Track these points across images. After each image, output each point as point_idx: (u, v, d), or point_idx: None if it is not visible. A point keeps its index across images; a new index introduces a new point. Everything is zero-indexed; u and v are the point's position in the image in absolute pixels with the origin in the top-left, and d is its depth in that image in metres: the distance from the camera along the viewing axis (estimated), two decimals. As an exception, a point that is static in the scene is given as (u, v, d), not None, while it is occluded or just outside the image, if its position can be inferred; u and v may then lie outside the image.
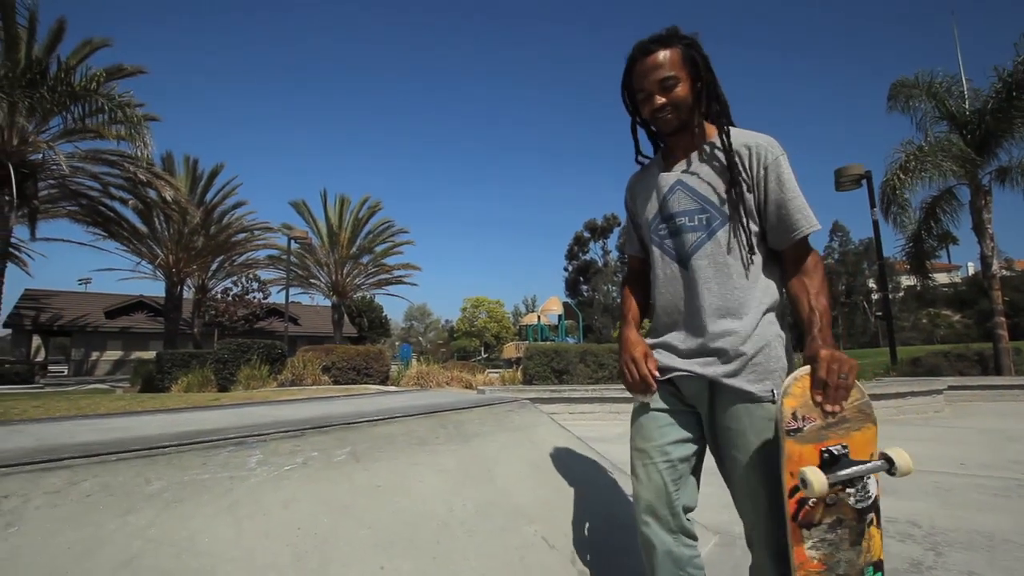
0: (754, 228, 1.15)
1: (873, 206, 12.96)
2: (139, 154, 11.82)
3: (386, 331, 41.56)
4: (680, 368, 1.16)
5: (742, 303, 1.12)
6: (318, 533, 1.19)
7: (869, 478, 1.00)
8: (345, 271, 24.70)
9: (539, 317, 25.99)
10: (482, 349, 36.64)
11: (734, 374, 1.10)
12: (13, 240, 16.67)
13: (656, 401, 1.21)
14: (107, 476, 1.03)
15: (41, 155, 15.84)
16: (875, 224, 13.17)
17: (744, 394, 1.09)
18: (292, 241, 20.78)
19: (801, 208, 1.12)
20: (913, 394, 7.45)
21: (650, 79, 1.17)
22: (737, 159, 1.15)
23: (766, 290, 1.15)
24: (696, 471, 1.21)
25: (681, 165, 1.23)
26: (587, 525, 1.66)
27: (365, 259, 25.33)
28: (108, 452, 1.07)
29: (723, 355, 1.11)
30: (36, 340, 28.60)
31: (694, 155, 1.22)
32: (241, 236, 23.74)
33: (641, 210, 1.31)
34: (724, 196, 1.15)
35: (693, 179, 1.20)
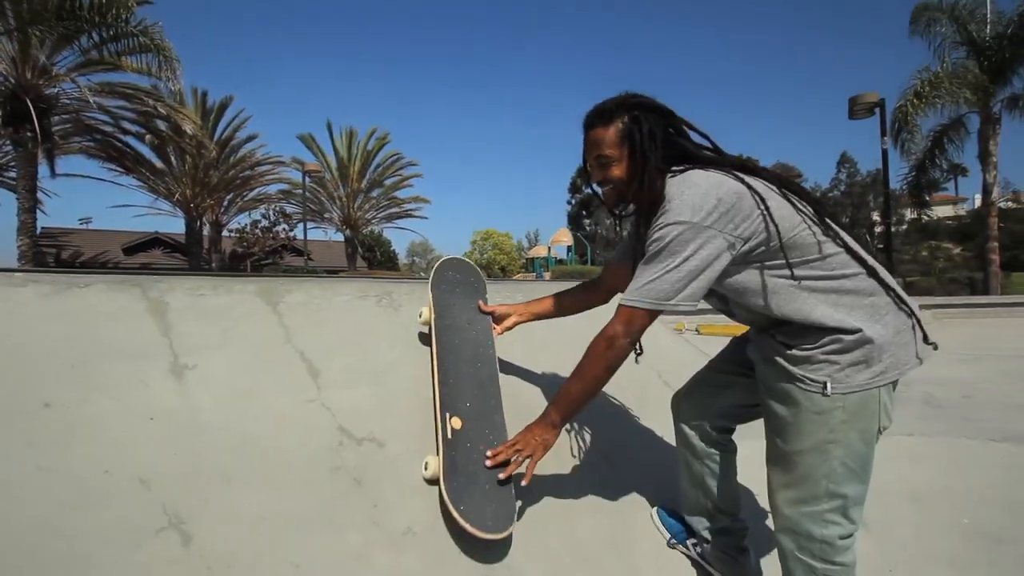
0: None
1: (884, 135, 13.25)
2: (172, 88, 11.99)
3: (394, 265, 42.27)
4: None
5: None
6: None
7: None
8: (356, 204, 25.07)
9: (549, 249, 26.68)
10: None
11: None
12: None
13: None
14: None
15: (56, 88, 15.85)
16: (884, 153, 13.47)
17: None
18: (306, 176, 21.01)
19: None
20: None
21: (588, 156, 1.23)
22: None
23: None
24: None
25: None
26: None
27: (375, 192, 25.63)
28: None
29: None
30: (58, 276, 29.46)
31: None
32: (255, 170, 23.87)
33: None
34: None
35: None
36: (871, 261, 1.12)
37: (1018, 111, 11.72)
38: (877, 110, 13.71)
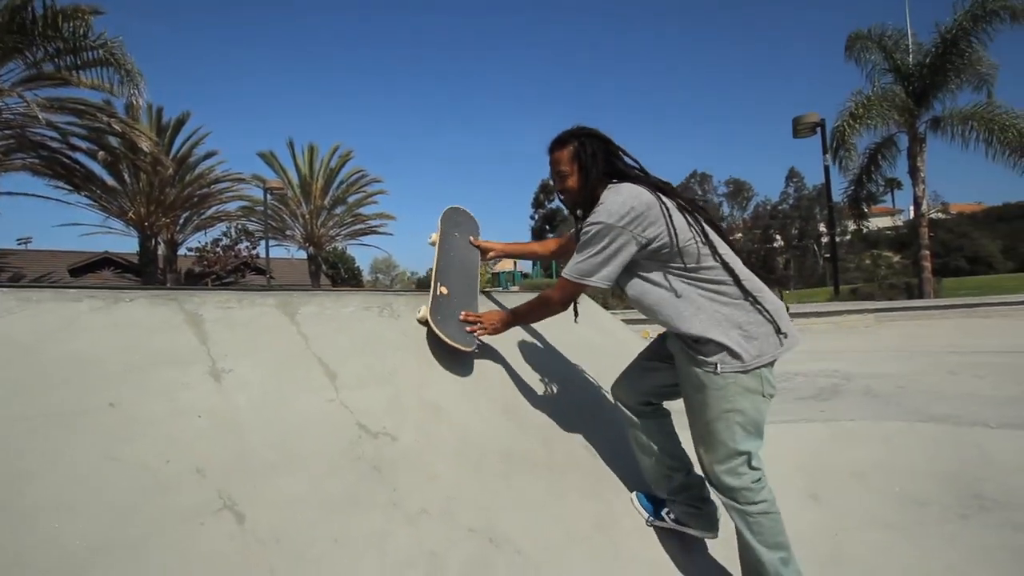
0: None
1: (825, 152, 14.24)
2: (135, 103, 11.70)
3: (359, 282, 41.69)
4: None
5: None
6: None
7: None
8: (319, 221, 24.74)
9: (515, 263, 26.99)
10: (457, 297, 37.46)
11: None
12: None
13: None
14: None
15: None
16: (826, 170, 14.50)
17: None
18: (268, 193, 20.67)
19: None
20: (849, 312, 9.00)
21: (552, 171, 1.62)
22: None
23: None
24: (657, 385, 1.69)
25: None
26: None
27: (339, 209, 25.36)
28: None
29: None
30: (-5, 300, 27.60)
31: None
32: (214, 188, 23.23)
33: None
34: None
35: None
36: (737, 272, 1.43)
37: (940, 131, 12.81)
38: (819, 129, 14.80)
